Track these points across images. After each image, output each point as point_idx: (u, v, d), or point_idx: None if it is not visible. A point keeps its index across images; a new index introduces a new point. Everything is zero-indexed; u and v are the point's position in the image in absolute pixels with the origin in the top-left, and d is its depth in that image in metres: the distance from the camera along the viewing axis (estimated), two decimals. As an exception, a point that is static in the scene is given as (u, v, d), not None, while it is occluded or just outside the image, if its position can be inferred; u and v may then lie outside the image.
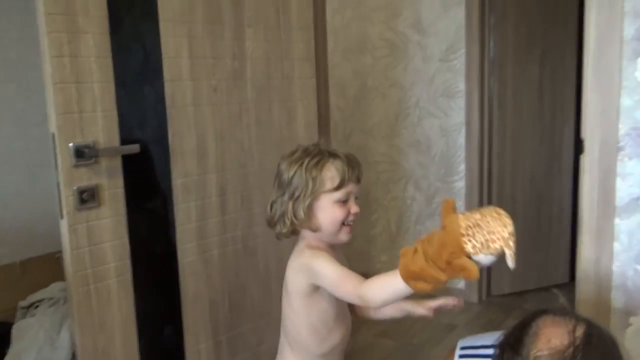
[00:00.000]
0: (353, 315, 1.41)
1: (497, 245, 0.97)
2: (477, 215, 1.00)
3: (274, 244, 1.86)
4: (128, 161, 1.49)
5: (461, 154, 3.26)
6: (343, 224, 1.26)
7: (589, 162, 1.57)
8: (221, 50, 1.68)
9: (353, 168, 1.26)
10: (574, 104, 3.36)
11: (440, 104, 3.31)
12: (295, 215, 1.24)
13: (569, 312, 0.99)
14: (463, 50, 3.17)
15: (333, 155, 1.26)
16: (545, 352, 0.91)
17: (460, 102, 3.24)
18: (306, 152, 1.27)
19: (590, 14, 1.53)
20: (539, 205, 3.36)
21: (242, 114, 1.76)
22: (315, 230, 1.26)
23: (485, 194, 3.28)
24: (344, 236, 1.28)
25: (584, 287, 1.59)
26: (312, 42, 1.95)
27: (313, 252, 1.24)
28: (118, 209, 1.48)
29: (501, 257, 0.98)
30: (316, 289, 1.24)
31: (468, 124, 3.23)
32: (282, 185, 1.27)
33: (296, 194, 1.24)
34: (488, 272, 3.24)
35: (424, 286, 1.01)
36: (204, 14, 1.63)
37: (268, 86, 1.83)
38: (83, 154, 1.40)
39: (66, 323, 1.56)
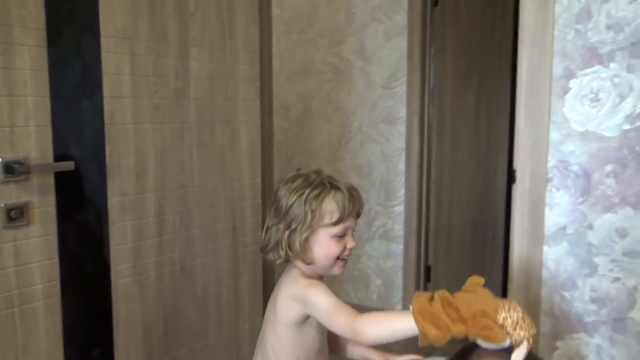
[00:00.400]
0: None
1: (522, 333, 0.96)
2: (512, 301, 1.00)
3: (212, 265, 1.84)
4: (62, 178, 1.44)
5: (401, 179, 3.34)
6: (338, 258, 1.23)
7: (520, 191, 1.65)
8: (164, 68, 1.66)
9: (354, 203, 1.22)
10: (508, 134, 3.53)
11: (382, 130, 3.38)
12: (290, 246, 1.20)
13: None
14: (404, 78, 3.26)
15: (335, 187, 1.22)
16: None
17: (401, 129, 3.32)
18: (307, 182, 1.22)
19: (523, 52, 1.62)
20: (473, 230, 3.48)
21: (184, 133, 1.73)
22: (309, 263, 1.22)
23: (424, 218, 3.36)
24: (337, 270, 1.25)
25: (514, 312, 1.65)
26: (257, 64, 1.95)
27: (309, 282, 1.20)
28: (48, 228, 1.42)
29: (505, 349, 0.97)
30: (306, 319, 1.21)
31: (408, 149, 3.31)
32: (279, 212, 1.22)
33: (293, 225, 1.20)
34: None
35: (430, 330, 0.97)
36: (148, 32, 1.61)
37: (211, 106, 1.81)
38: (13, 170, 1.33)
39: (-14, 348, 1.47)
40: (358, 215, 1.26)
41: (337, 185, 1.23)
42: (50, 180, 1.42)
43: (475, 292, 1.01)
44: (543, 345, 1.64)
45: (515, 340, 0.96)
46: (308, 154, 3.62)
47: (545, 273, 1.64)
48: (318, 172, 1.26)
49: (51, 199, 1.42)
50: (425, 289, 3.34)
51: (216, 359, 1.87)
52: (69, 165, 1.43)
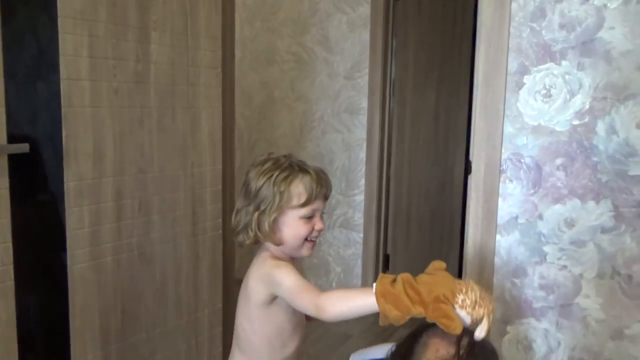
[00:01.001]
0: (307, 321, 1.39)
1: (481, 311, 0.98)
2: (470, 281, 1.03)
3: (171, 251, 1.83)
4: (16, 161, 1.41)
5: (362, 168, 3.38)
6: (306, 239, 1.25)
7: (475, 182, 1.70)
8: (124, 51, 1.64)
9: (322, 185, 1.25)
10: (466, 129, 3.61)
11: (344, 120, 3.41)
12: (259, 227, 1.23)
13: None
14: (367, 70, 3.30)
15: (303, 170, 1.25)
16: None
17: (362, 119, 3.36)
18: (276, 165, 1.25)
19: (481, 48, 1.67)
20: (431, 220, 3.57)
21: (144, 118, 1.71)
22: (278, 244, 1.25)
23: (383, 208, 3.42)
24: (305, 251, 1.27)
25: (467, 298, 1.70)
26: (219, 50, 1.94)
27: (275, 263, 1.23)
28: (1, 211, 1.38)
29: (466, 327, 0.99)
30: (274, 299, 1.24)
31: (369, 140, 3.36)
32: (248, 195, 1.25)
33: (262, 207, 1.22)
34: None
35: (391, 310, 1.00)
36: (108, 14, 1.58)
37: (172, 92, 1.80)
38: (-36, 151, 1.30)
39: None
40: (326, 198, 1.29)
41: (306, 169, 1.26)
42: (4, 162, 1.38)
43: (436, 275, 1.05)
44: (494, 331, 1.70)
45: (476, 319, 1.00)
46: (270, 142, 3.62)
47: (497, 261, 1.70)
48: (287, 156, 1.29)
49: (4, 181, 1.38)
50: (383, 277, 3.40)
51: (175, 345, 1.86)
52: (23, 148, 1.40)
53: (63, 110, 1.50)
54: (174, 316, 1.86)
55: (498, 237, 1.70)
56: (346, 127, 3.42)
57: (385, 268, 3.40)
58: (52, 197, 1.51)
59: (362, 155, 3.38)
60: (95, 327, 1.62)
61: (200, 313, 1.94)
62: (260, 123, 3.69)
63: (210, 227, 1.95)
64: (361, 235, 3.41)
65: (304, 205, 1.23)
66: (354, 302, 1.09)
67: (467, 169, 1.79)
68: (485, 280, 1.70)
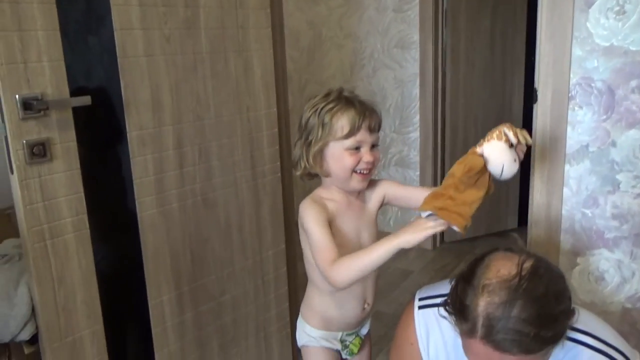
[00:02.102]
0: None
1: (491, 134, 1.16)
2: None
3: (233, 196, 1.86)
4: (79, 114, 1.44)
5: (415, 105, 3.30)
6: (355, 172, 1.27)
7: (541, 111, 1.62)
8: (173, -3, 1.61)
9: (365, 117, 1.26)
10: (524, 55, 3.44)
11: (395, 55, 3.31)
12: (307, 159, 1.28)
13: (521, 250, 1.05)
14: (417, 1, 3.16)
15: (349, 102, 1.27)
16: (494, 281, 0.97)
17: (414, 54, 3.25)
18: (325, 97, 1.28)
19: (546, -37, 1.55)
20: (489, 154, 3.47)
21: (197, 64, 1.70)
22: (326, 175, 1.30)
23: (439, 144, 3.35)
24: (355, 183, 1.30)
25: (536, 230, 1.66)
26: (267, -11, 1.89)
27: (309, 204, 1.28)
28: (71, 163, 1.43)
29: None
30: None
31: (422, 75, 3.26)
32: (300, 128, 1.31)
33: (310, 138, 1.27)
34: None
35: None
36: (155, -43, 1.55)
37: (223, 36, 1.77)
38: (31, 106, 1.33)
39: (23, 279, 1.52)
40: (372, 130, 1.29)
41: (352, 101, 1.27)
42: (69, 115, 1.41)
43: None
44: (563, 262, 1.67)
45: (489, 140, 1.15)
46: (320, 83, 3.57)
47: (566, 191, 1.64)
48: (339, 89, 1.31)
49: (71, 134, 1.42)
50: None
51: (242, 285, 1.92)
52: (85, 100, 1.42)
53: (119, 61, 1.51)
54: (240, 258, 1.91)
55: (567, 167, 1.63)
56: (397, 62, 3.32)
57: (443, 205, 3.36)
58: (117, 147, 1.54)
59: (416, 91, 3.30)
60: (167, 270, 1.68)
61: (264, 254, 1.99)
62: (310, 64, 3.63)
63: (269, 170, 1.96)
64: (417, 173, 3.37)
65: (347, 136, 1.25)
66: (361, 264, 1.14)
67: (531, 98, 1.70)
68: (553, 212, 1.65)
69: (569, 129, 1.61)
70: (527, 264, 0.99)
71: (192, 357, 1.80)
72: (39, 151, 1.36)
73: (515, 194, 3.51)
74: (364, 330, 1.48)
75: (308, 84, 3.62)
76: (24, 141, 1.33)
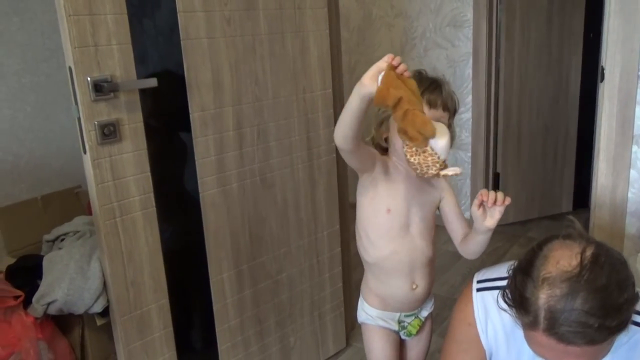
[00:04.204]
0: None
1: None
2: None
3: (290, 176, 1.88)
4: (145, 95, 1.48)
5: (468, 85, 3.24)
6: None
7: (608, 90, 1.57)
8: (233, -22, 1.63)
9: (431, 94, 1.27)
10: (582, 33, 3.31)
11: (447, 34, 3.25)
12: (375, 127, 1.34)
13: (580, 235, 1.02)
14: (472, -22, 3.08)
15: (423, 79, 1.28)
16: (554, 273, 0.95)
17: (467, 32, 3.18)
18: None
19: None
20: (545, 135, 3.38)
21: (255, 46, 1.72)
22: (386, 147, 1.35)
23: (492, 125, 3.29)
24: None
25: (599, 213, 1.62)
26: (322, -30, 1.88)
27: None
28: (139, 144, 1.48)
29: None
30: (371, 187, 1.33)
31: (475, 54, 3.19)
32: None
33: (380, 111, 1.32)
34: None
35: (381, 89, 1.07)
36: (216, -61, 1.57)
37: (280, 16, 1.78)
38: (102, 89, 1.38)
39: (95, 254, 1.60)
40: (437, 107, 1.28)
41: (421, 78, 1.28)
42: (136, 97, 1.46)
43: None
44: (628, 246, 1.62)
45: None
46: (370, 64, 3.53)
47: (633, 173, 1.59)
48: (419, 70, 1.33)
49: (139, 115, 1.47)
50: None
51: (299, 264, 1.96)
52: (152, 82, 1.46)
53: (182, 43, 1.54)
54: (296, 237, 1.94)
55: (634, 148, 1.58)
56: (450, 42, 3.26)
57: (496, 187, 3.31)
58: (180, 128, 1.58)
59: (468, 70, 3.23)
60: (227, 249, 1.73)
61: (319, 234, 2.01)
62: (359, 45, 3.61)
63: (324, 151, 1.98)
64: (469, 154, 3.32)
65: None
66: (344, 114, 1.14)
67: (590, 77, 1.65)
68: (618, 195, 1.60)
69: (637, 109, 1.55)
70: (587, 253, 0.96)
71: (250, 332, 1.85)
72: (109, 132, 1.41)
73: (570, 175, 3.41)
74: (424, 313, 1.49)
75: (358, 65, 3.60)
76: (96, 122, 1.38)
